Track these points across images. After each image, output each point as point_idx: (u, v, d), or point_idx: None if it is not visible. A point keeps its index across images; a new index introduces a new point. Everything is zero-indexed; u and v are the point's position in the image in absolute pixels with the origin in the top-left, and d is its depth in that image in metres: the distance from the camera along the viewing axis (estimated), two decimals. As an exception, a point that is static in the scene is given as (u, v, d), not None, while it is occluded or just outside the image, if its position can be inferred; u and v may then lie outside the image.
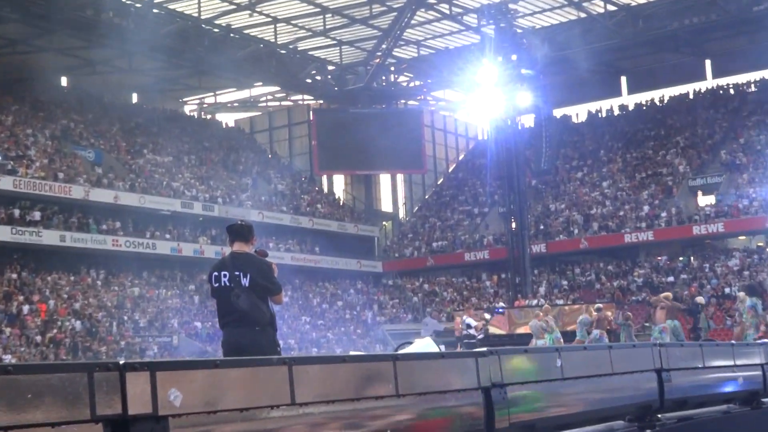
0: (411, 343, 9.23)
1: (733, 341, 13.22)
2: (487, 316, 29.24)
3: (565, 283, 50.31)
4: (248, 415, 4.44)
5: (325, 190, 64.10)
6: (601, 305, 25.57)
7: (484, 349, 6.07)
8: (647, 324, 37.77)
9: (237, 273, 7.95)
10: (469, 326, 24.04)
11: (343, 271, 55.14)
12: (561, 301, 43.86)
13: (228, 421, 4.36)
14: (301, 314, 47.96)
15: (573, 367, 6.74)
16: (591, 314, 22.97)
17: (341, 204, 62.67)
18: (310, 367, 4.83)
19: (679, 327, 20.48)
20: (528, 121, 51.05)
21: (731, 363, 9.34)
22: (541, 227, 53.71)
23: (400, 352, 7.32)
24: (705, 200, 52.59)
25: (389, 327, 49.68)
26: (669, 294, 22.24)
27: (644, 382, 7.77)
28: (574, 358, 6.93)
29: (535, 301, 41.37)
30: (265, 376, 4.63)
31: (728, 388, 9.34)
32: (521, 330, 34.74)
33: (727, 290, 44.48)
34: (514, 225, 45.55)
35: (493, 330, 33.31)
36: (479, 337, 24.04)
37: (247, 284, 7.91)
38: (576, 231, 52.60)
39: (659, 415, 7.91)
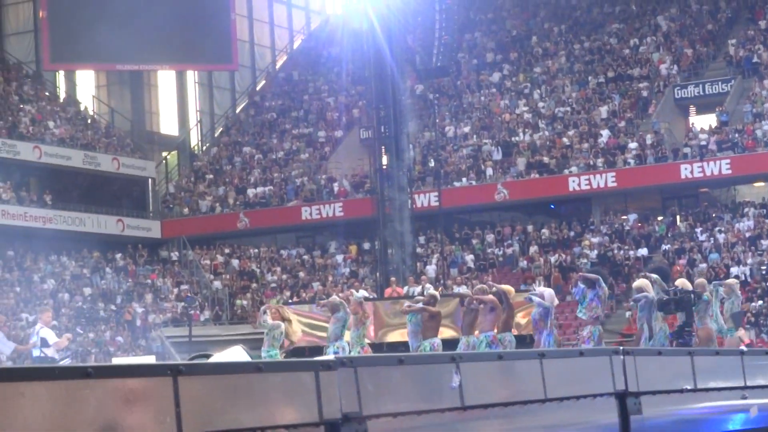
0: (208, 356, 8.01)
1: (743, 347, 13.57)
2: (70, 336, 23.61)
3: (470, 258, 44.80)
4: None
5: (61, 96, 55.33)
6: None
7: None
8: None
9: None
10: (45, 342, 19.75)
11: (90, 236, 48.04)
12: (463, 288, 37.13)
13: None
14: (21, 309, 41.94)
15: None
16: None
17: (89, 121, 54.51)
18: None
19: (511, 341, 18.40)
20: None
21: (740, 383, 8.79)
22: (431, 165, 48.53)
23: None
24: (701, 122, 47.11)
25: (172, 332, 42.68)
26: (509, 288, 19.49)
27: (599, 412, 7.17)
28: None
29: (418, 288, 34.43)
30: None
31: (733, 425, 8.68)
32: (395, 336, 30.38)
33: (734, 270, 39.18)
34: (385, 161, 41.87)
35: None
36: (64, 360, 20.92)
37: None
38: (489, 172, 47.22)
39: None
